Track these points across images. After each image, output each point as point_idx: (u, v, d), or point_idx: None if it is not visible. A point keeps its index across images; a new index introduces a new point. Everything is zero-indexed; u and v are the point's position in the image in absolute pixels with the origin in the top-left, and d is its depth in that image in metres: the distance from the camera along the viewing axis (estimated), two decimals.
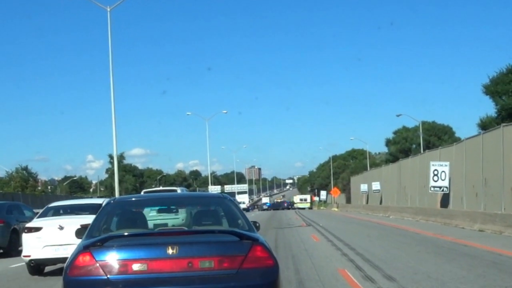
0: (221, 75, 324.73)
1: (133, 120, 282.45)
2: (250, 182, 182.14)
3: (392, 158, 77.48)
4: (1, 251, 18.73)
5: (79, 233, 6.80)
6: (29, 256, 12.28)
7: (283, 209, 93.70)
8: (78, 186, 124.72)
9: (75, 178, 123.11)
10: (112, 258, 5.22)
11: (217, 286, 5.19)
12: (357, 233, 23.63)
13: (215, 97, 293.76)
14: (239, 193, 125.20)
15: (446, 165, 32.20)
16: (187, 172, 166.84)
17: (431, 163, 32.60)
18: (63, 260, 11.46)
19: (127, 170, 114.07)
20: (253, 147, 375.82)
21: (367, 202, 55.38)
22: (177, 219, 7.85)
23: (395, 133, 78.18)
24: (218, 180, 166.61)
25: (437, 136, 71.96)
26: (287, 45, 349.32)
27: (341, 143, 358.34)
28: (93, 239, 5.52)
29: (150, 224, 6.95)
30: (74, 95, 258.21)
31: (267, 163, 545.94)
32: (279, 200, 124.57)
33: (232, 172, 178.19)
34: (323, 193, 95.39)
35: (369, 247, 17.20)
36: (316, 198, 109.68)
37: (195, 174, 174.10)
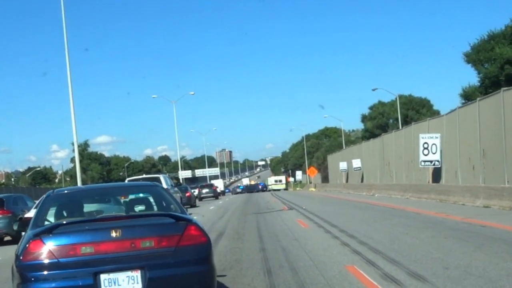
0: (186, 58, 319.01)
1: (98, 107, 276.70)
2: (222, 165, 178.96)
3: (368, 134, 75.19)
4: (10, 238, 20.07)
5: (20, 226, 7.62)
6: None
7: (257, 191, 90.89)
8: (42, 177, 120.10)
9: (38, 168, 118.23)
10: (61, 243, 5.73)
11: (158, 262, 5.79)
12: (348, 216, 20.85)
13: (181, 80, 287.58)
14: (212, 178, 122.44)
15: (437, 137, 29.65)
16: (156, 158, 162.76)
17: (421, 135, 30.00)
18: None
19: (92, 158, 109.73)
20: (223, 130, 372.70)
21: (347, 181, 52.85)
22: (114, 207, 7.88)
23: (371, 108, 75.80)
24: (188, 164, 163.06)
25: (415, 110, 69.90)
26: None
27: (314, 123, 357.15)
28: (43, 228, 6.09)
29: (90, 213, 7.36)
30: (34, 83, 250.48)
31: (238, 145, 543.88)
32: (253, 182, 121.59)
33: (203, 156, 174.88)
34: (298, 173, 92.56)
35: (371, 233, 14.39)
36: (291, 179, 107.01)
37: (165, 159, 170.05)
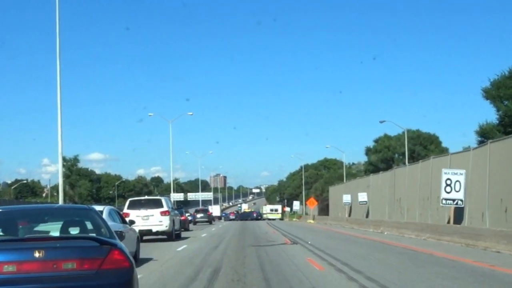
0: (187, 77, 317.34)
1: (92, 122, 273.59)
2: (215, 190, 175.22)
3: (372, 168, 72.14)
4: None
5: None
6: None
7: (251, 219, 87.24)
8: (29, 190, 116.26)
9: (25, 181, 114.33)
10: None
11: (79, 284, 5.96)
12: (369, 258, 17.50)
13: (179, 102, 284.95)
14: (205, 202, 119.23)
15: (461, 174, 26.49)
16: (148, 178, 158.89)
17: (444, 171, 26.84)
18: None
19: (82, 174, 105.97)
20: (218, 154, 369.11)
21: (349, 215, 49.52)
22: (47, 228, 7.70)
23: (376, 141, 72.81)
24: (181, 187, 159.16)
25: (422, 145, 67.06)
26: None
27: (313, 153, 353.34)
28: None
29: (21, 232, 7.41)
30: (30, 96, 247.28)
31: (232, 171, 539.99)
32: (247, 210, 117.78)
33: (196, 180, 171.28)
34: (296, 204, 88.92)
35: (413, 286, 11.12)
36: (287, 209, 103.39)
37: (157, 180, 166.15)
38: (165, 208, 26.65)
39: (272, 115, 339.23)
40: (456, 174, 26.56)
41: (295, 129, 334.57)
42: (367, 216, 44.11)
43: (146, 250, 21.24)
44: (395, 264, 15.59)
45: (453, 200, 26.50)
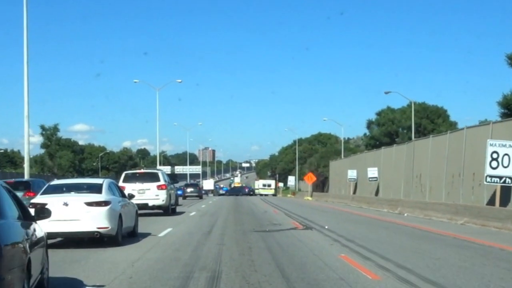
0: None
1: (77, 93, 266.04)
2: (204, 164, 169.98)
3: (374, 142, 67.30)
4: None
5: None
6: None
7: (243, 195, 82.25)
8: (9, 160, 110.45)
9: (2, 151, 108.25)
10: None
11: None
12: (422, 253, 12.56)
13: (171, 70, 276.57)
14: (193, 176, 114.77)
15: (511, 146, 21.58)
16: (134, 150, 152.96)
17: (489, 142, 21.93)
18: (68, 234, 13.32)
19: (63, 144, 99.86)
20: (208, 127, 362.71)
21: (354, 192, 44.67)
22: None
23: (378, 114, 67.71)
24: (168, 160, 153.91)
25: (429, 119, 62.13)
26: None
27: (305, 128, 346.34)
28: None
29: None
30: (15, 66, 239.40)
31: (221, 144, 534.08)
32: (237, 185, 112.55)
33: (184, 153, 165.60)
34: (291, 179, 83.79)
35: None
36: (280, 184, 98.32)
37: (143, 153, 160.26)
38: (161, 182, 25.90)
39: (265, 89, 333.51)
40: (504, 146, 21.66)
41: (288, 103, 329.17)
42: (376, 194, 39.31)
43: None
44: (470, 267, 10.65)
45: (500, 177, 21.62)
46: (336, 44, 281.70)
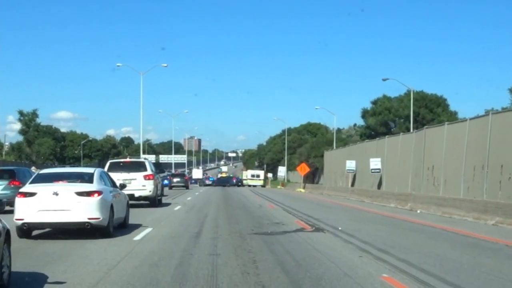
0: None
1: (62, 79, 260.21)
2: (189, 153, 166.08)
3: (369, 132, 64.11)
4: None
5: None
6: (22, 219, 12.58)
7: (230, 185, 78.69)
8: None
9: None
10: None
11: None
12: (497, 275, 9.18)
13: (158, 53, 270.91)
14: (178, 166, 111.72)
15: None
16: (118, 138, 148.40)
17: None
18: (57, 224, 12.87)
19: (42, 131, 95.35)
20: (193, 116, 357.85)
21: (352, 185, 41.38)
22: None
23: (374, 103, 64.40)
24: (153, 149, 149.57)
25: (428, 108, 59.02)
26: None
27: (294, 118, 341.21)
28: None
29: None
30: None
31: (208, 134, 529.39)
32: (224, 175, 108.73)
33: (169, 142, 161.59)
34: (281, 169, 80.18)
35: None
36: (269, 175, 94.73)
37: (127, 141, 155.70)
38: (149, 172, 24.78)
39: (252, 77, 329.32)
40: None
41: (275, 93, 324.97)
42: (378, 187, 36.05)
43: (81, 241, 12.78)
44: None
45: None
46: (329, 30, 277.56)
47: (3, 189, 21.13)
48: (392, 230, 16.08)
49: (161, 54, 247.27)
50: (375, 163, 35.43)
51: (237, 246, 11.87)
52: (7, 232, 7.58)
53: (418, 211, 24.87)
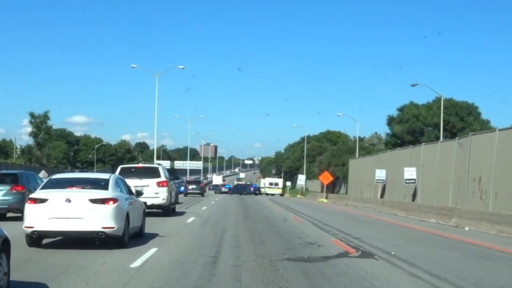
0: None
1: (76, 83, 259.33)
2: (205, 160, 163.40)
3: (395, 140, 60.76)
4: (20, 214, 17.89)
5: None
6: (31, 227, 11.87)
7: (247, 193, 75.47)
8: (0, 150, 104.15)
9: None
10: None
11: None
12: None
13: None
14: (193, 172, 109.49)
15: None
16: (133, 144, 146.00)
17: None
18: (70, 233, 12.04)
19: (54, 134, 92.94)
20: (209, 122, 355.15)
21: (381, 196, 38.12)
22: None
23: (400, 110, 61.05)
24: (168, 155, 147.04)
25: (459, 117, 55.59)
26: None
27: (312, 126, 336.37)
28: None
29: None
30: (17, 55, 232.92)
31: (224, 141, 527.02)
32: (241, 182, 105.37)
33: (185, 148, 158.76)
34: (301, 178, 76.68)
35: None
36: (288, 183, 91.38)
37: (142, 146, 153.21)
38: (162, 178, 23.29)
39: (271, 85, 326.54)
40: None
41: (293, 101, 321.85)
42: (413, 199, 32.81)
43: (72, 262, 9.89)
44: None
45: None
46: (351, 39, 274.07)
47: (4, 195, 19.76)
48: (459, 256, 12.86)
49: (176, 57, 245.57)
50: (410, 172, 32.19)
51: (268, 281, 8.81)
52: (5, 241, 7.29)
53: (466, 228, 21.63)
